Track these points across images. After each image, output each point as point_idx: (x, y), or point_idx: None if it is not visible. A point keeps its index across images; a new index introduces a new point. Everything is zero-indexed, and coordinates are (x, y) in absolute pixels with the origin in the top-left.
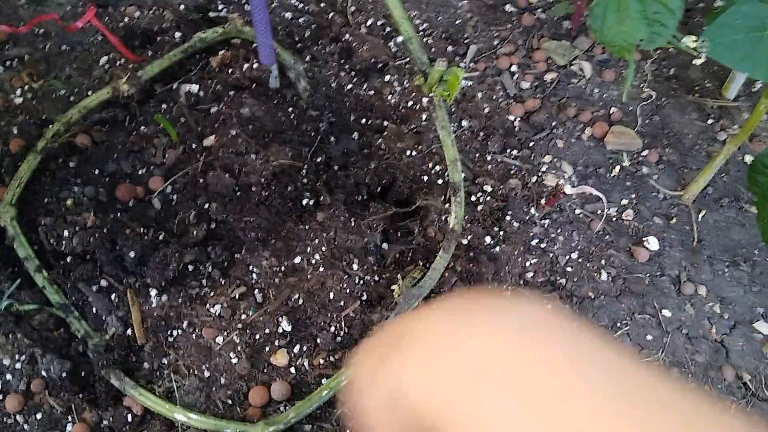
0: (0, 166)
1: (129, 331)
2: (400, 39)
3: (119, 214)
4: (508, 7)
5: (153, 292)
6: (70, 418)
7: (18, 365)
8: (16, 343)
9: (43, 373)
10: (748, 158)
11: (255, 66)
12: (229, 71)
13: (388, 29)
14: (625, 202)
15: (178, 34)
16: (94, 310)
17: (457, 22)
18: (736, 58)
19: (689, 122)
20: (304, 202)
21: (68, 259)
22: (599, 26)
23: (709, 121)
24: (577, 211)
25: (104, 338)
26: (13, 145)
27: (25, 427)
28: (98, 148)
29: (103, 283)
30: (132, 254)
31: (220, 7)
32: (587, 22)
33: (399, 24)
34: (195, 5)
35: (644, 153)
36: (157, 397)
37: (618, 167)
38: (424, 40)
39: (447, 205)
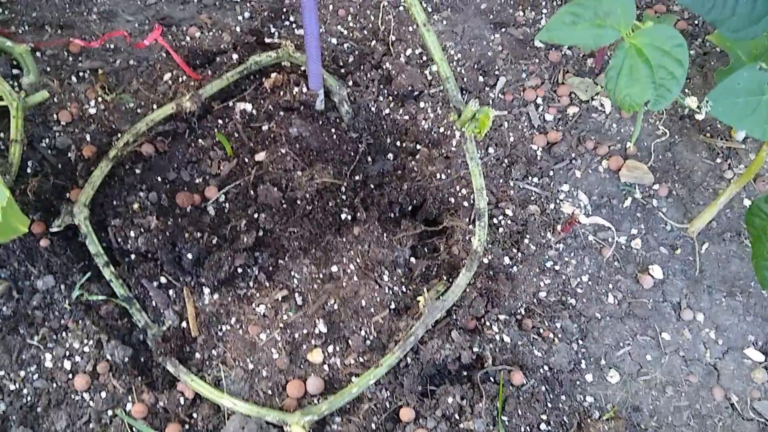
0: (74, 169)
1: (184, 324)
2: (435, 68)
3: (179, 219)
4: (537, 43)
5: (206, 291)
6: (130, 398)
7: (86, 349)
8: (85, 329)
9: (108, 356)
10: (747, 202)
11: (304, 90)
12: (281, 93)
13: (424, 59)
14: (634, 231)
15: (234, 56)
16: (153, 303)
17: (489, 54)
18: (737, 118)
19: (699, 160)
20: (343, 216)
21: (132, 257)
22: (612, 87)
23: (718, 160)
24: (590, 238)
25: (162, 329)
26: (85, 151)
27: (91, 403)
28: (161, 157)
29: (163, 279)
30: (190, 256)
31: (272, 30)
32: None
33: (439, 65)
34: (249, 29)
35: (655, 187)
36: (207, 384)
37: (630, 199)
38: (458, 70)
39: (471, 227)
